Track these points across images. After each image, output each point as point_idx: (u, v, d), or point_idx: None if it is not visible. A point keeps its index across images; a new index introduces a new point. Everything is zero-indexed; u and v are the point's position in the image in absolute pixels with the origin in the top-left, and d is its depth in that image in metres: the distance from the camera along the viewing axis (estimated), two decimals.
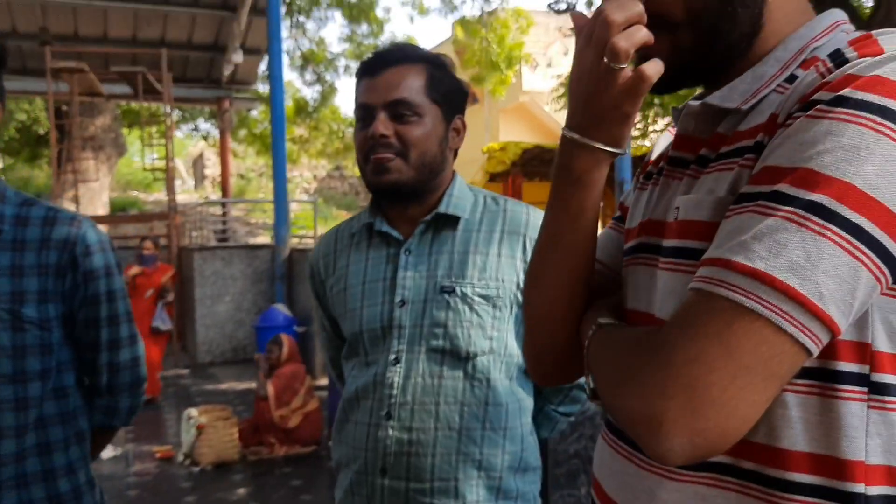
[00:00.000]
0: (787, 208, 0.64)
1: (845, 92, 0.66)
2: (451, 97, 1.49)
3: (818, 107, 0.66)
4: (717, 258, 0.66)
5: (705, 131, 0.82)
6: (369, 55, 1.51)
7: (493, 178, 11.26)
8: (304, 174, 22.77)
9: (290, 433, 5.72)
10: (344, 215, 22.77)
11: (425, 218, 1.50)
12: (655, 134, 15.54)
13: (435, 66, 1.48)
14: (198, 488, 5.10)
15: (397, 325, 1.46)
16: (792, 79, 0.76)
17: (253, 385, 6.87)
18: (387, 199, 1.51)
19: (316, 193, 20.39)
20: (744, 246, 0.65)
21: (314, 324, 1.71)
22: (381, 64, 1.45)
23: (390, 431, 1.42)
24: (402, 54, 1.47)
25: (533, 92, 19.91)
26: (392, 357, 1.45)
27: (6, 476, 1.40)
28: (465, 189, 1.55)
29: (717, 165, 0.78)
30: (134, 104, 15.41)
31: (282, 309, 8.36)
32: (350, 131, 21.89)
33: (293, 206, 16.23)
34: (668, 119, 15.46)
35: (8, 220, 1.44)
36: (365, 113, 1.45)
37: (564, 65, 16.59)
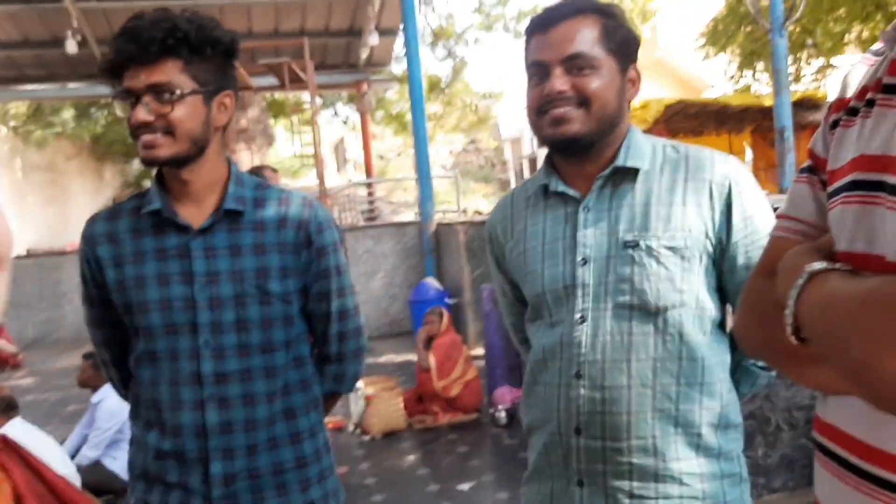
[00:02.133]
0: None
1: None
2: (626, 46, 1.45)
3: None
4: None
5: None
6: (537, 12, 1.49)
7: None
8: (440, 150, 23.06)
9: (453, 402, 5.86)
10: (481, 188, 22.90)
11: (602, 173, 1.46)
12: (808, 77, 14.53)
13: (608, 15, 1.44)
14: (370, 456, 5.33)
15: (581, 283, 1.44)
16: None
17: (411, 357, 7.08)
18: (564, 153, 1.48)
19: (453, 168, 20.61)
20: None
21: (496, 291, 1.72)
22: (553, 18, 1.42)
23: (582, 391, 1.42)
24: (574, 7, 1.43)
25: (670, 46, 19.14)
26: (577, 316, 1.44)
27: (261, 439, 1.53)
28: (642, 139, 1.50)
29: None
30: (277, 95, 16.10)
31: (433, 282, 8.54)
32: (483, 104, 21.91)
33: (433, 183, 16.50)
34: (820, 61, 14.39)
35: (249, 201, 1.56)
36: (539, 69, 1.42)
37: (705, 14, 15.80)
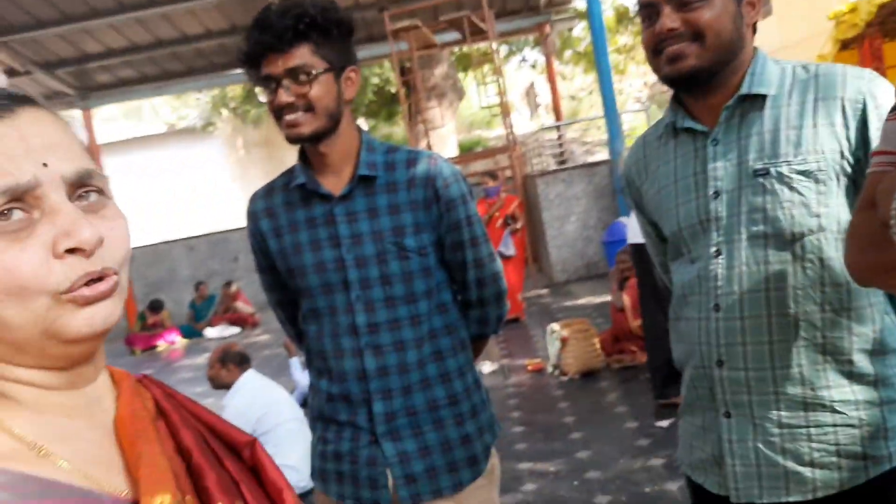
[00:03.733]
0: None
1: None
2: None
3: None
4: None
5: None
6: None
7: (844, 45, 9.88)
8: (634, 83, 22.23)
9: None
10: None
11: (728, 103, 1.44)
12: None
13: None
14: (569, 395, 5.47)
15: (714, 217, 1.44)
16: None
17: (608, 298, 7.08)
18: (685, 89, 1.48)
19: (648, 101, 19.85)
20: None
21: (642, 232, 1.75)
22: None
23: (721, 323, 1.43)
24: None
25: None
26: (713, 250, 1.44)
27: (414, 380, 1.70)
28: (769, 64, 1.45)
29: None
30: (465, 48, 16.31)
31: (625, 222, 8.41)
32: None
33: (626, 118, 16.01)
34: None
35: (380, 166, 1.71)
36: (649, 10, 1.42)
37: None
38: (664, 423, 4.43)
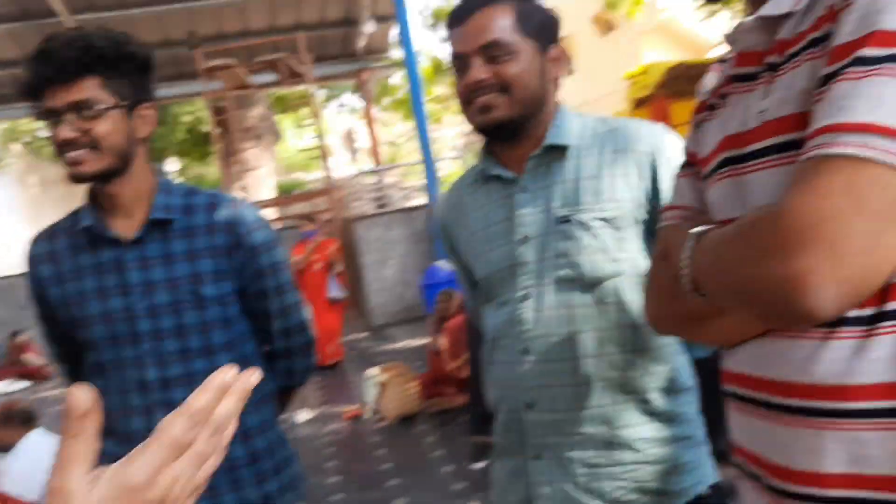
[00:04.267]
0: (874, 67, 0.69)
1: None
2: (543, 29, 1.47)
3: None
4: (820, 128, 0.71)
5: (763, 43, 0.88)
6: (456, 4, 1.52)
7: (638, 104, 10.81)
8: (450, 132, 23.00)
9: (466, 382, 5.91)
10: None
11: (534, 153, 1.49)
12: None
13: (521, 1, 1.46)
14: (387, 441, 5.41)
15: (522, 262, 1.48)
16: None
17: (426, 341, 7.14)
18: (495, 138, 1.52)
19: (463, 149, 20.57)
20: (844, 108, 0.69)
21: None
22: (467, 10, 1.45)
23: (529, 366, 1.45)
24: None
25: (671, 8, 18.87)
26: (521, 294, 1.47)
27: None
28: (570, 117, 1.53)
29: (789, 65, 0.82)
30: (283, 90, 16.15)
31: (443, 265, 8.58)
32: None
33: (444, 164, 16.48)
34: None
35: (176, 210, 1.60)
36: (461, 62, 1.46)
37: None
38: (479, 466, 4.48)
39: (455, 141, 22.54)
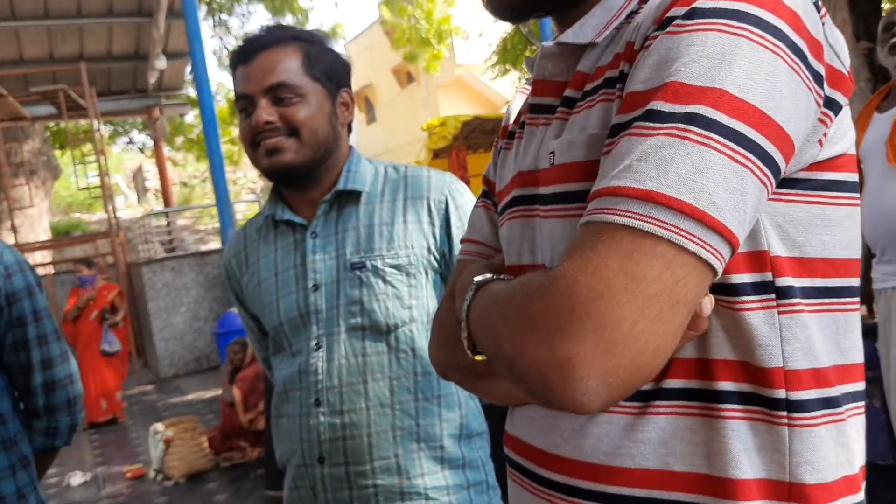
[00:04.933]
0: (665, 125, 0.62)
1: (698, 3, 0.65)
2: (333, 72, 1.46)
3: (675, 22, 0.65)
4: (604, 188, 0.63)
5: (564, 73, 0.81)
6: (240, 42, 1.46)
7: (436, 154, 11.20)
8: (249, 174, 22.45)
9: (261, 435, 5.66)
10: None
11: (325, 198, 1.47)
12: None
13: (310, 43, 1.44)
14: (174, 501, 5.03)
15: (314, 310, 1.43)
16: (643, 4, 0.74)
17: (219, 392, 6.79)
18: (283, 182, 1.48)
19: (262, 192, 20.14)
20: (630, 170, 0.62)
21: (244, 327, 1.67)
22: (252, 50, 1.41)
23: (321, 418, 1.40)
24: (273, 37, 1.42)
25: (468, 64, 19.84)
26: (313, 343, 1.43)
27: None
28: (363, 163, 1.52)
29: (584, 103, 0.76)
30: (63, 123, 15.01)
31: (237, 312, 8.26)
32: None
33: (241, 207, 16.01)
34: None
35: None
36: (246, 103, 1.41)
37: (495, 33, 16.53)
38: None
39: (254, 183, 22.02)
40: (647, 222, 0.60)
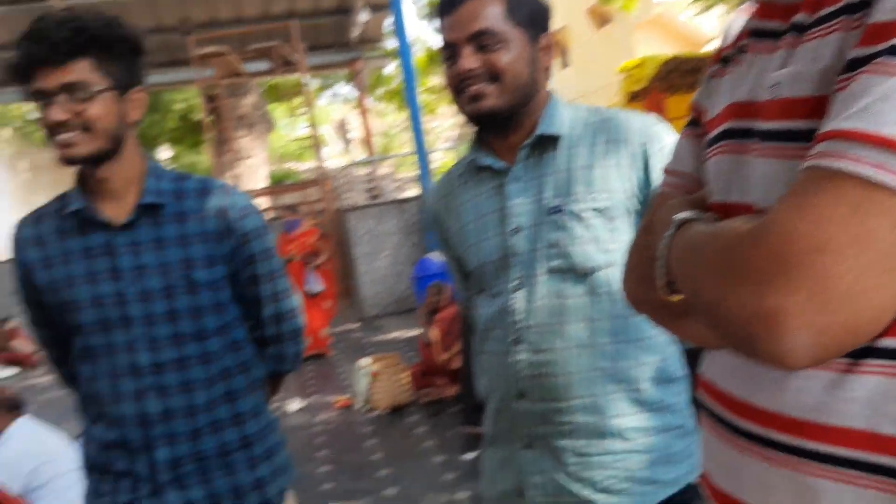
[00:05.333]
0: None
1: None
2: (534, 17, 1.46)
3: None
4: (835, 130, 0.58)
5: None
6: None
7: (633, 97, 10.80)
8: (445, 122, 22.95)
9: (457, 374, 5.91)
10: None
11: (526, 142, 1.49)
12: None
13: None
14: (377, 431, 5.41)
15: (514, 252, 1.47)
16: None
17: (417, 332, 7.13)
18: (486, 127, 1.51)
19: (458, 140, 20.53)
20: (866, 111, 0.56)
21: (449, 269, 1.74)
22: None
23: (521, 356, 1.45)
24: None
25: (667, 1, 18.86)
26: (513, 285, 1.47)
27: (203, 423, 1.58)
28: (562, 107, 1.52)
29: (818, 30, 0.68)
30: (276, 79, 16.08)
31: (434, 257, 8.56)
32: None
33: (438, 155, 16.44)
34: None
35: (168, 195, 1.59)
36: (450, 51, 1.45)
37: None
38: (470, 457, 4.48)
39: (449, 132, 22.50)
40: (882, 171, 0.54)
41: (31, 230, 1.60)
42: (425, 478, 4.35)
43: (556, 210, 1.43)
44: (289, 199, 13.19)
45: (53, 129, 1.46)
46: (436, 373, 5.99)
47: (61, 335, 1.64)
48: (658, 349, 1.46)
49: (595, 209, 1.42)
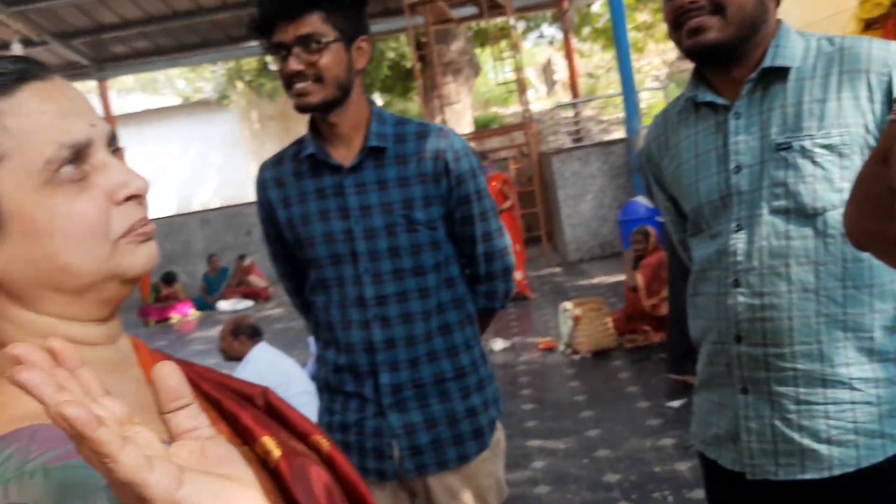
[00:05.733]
0: None
1: None
2: None
3: None
4: None
5: None
6: None
7: (868, 25, 9.71)
8: (653, 61, 21.98)
9: (663, 320, 5.79)
10: None
11: (751, 76, 1.40)
12: None
13: None
14: (580, 374, 5.46)
15: (735, 191, 1.41)
16: None
17: (621, 277, 7.04)
18: (706, 62, 1.45)
19: (667, 79, 19.63)
20: None
21: (661, 209, 1.72)
22: None
23: (740, 298, 1.40)
24: None
25: None
26: (734, 225, 1.42)
27: (421, 353, 1.70)
28: (793, 36, 1.42)
29: None
30: (482, 23, 16.17)
31: (642, 201, 8.35)
32: None
33: (644, 96, 15.84)
34: None
35: (390, 138, 1.70)
36: None
37: None
38: (675, 404, 4.41)
39: (658, 71, 21.54)
40: None
41: (271, 172, 1.78)
42: (629, 422, 4.35)
43: (784, 147, 1.36)
44: (493, 143, 13.37)
45: (290, 78, 1.60)
46: (641, 319, 5.91)
47: (297, 268, 1.83)
48: (892, 296, 1.35)
49: (827, 146, 1.33)
